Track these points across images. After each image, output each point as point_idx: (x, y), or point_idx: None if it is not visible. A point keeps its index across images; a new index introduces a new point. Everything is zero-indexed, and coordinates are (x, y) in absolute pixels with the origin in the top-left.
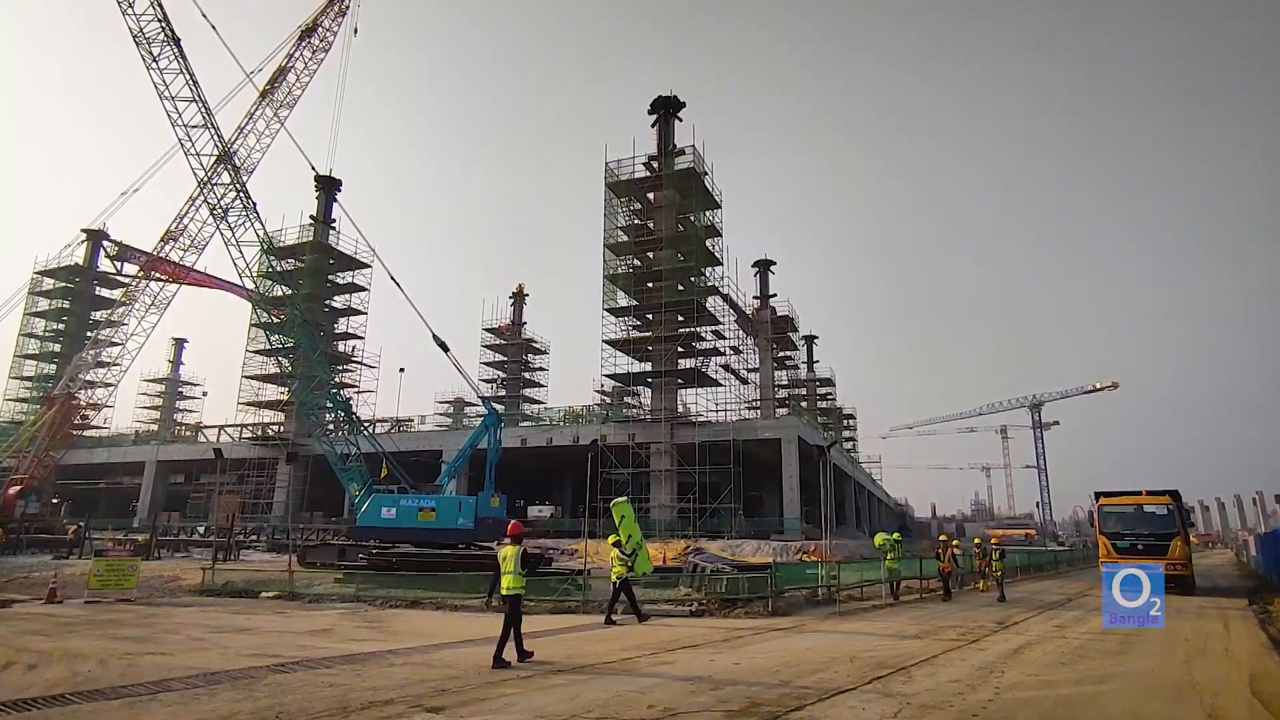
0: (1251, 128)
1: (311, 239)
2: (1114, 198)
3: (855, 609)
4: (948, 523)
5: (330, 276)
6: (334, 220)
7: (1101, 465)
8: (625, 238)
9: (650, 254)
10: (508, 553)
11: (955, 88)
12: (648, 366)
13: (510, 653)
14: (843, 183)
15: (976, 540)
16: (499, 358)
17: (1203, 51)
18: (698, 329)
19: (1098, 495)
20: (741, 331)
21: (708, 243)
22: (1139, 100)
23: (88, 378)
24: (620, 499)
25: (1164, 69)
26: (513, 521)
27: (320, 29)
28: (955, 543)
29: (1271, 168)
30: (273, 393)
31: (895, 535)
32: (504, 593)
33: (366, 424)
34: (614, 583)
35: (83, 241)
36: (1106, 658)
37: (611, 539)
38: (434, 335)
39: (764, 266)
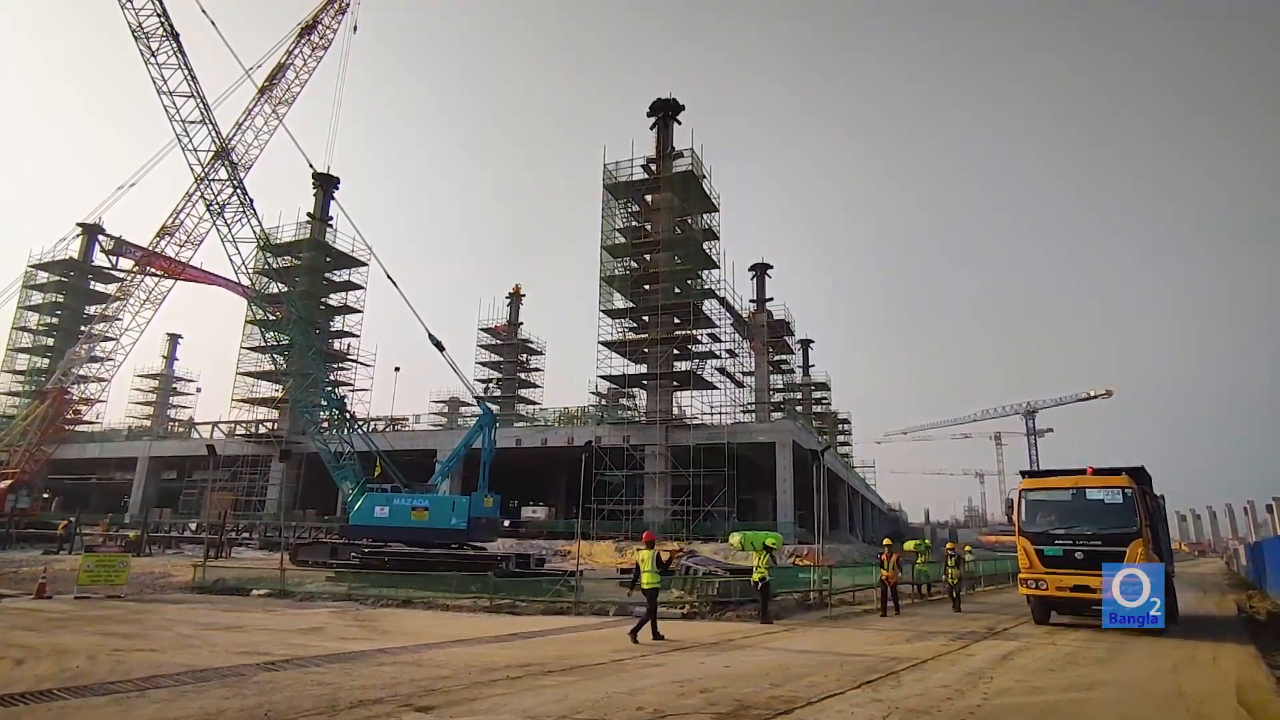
0: (1254, 128)
1: (308, 236)
2: (1113, 202)
3: (847, 613)
4: (941, 528)
5: (327, 274)
6: (331, 218)
7: None
8: (623, 240)
9: (647, 256)
10: (645, 555)
11: (955, 89)
12: (643, 368)
13: (646, 634)
14: (841, 186)
15: (951, 545)
16: (495, 358)
17: (1202, 52)
18: (694, 332)
19: (1023, 475)
20: (738, 335)
21: (705, 246)
22: (1139, 101)
23: (81, 372)
24: (734, 535)
25: (1164, 70)
26: (646, 531)
27: (320, 26)
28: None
29: (1272, 170)
30: (267, 390)
31: (925, 541)
32: (644, 587)
33: (361, 422)
34: (756, 583)
35: (78, 235)
36: (1095, 665)
37: (770, 540)
38: (430, 334)
39: (760, 270)
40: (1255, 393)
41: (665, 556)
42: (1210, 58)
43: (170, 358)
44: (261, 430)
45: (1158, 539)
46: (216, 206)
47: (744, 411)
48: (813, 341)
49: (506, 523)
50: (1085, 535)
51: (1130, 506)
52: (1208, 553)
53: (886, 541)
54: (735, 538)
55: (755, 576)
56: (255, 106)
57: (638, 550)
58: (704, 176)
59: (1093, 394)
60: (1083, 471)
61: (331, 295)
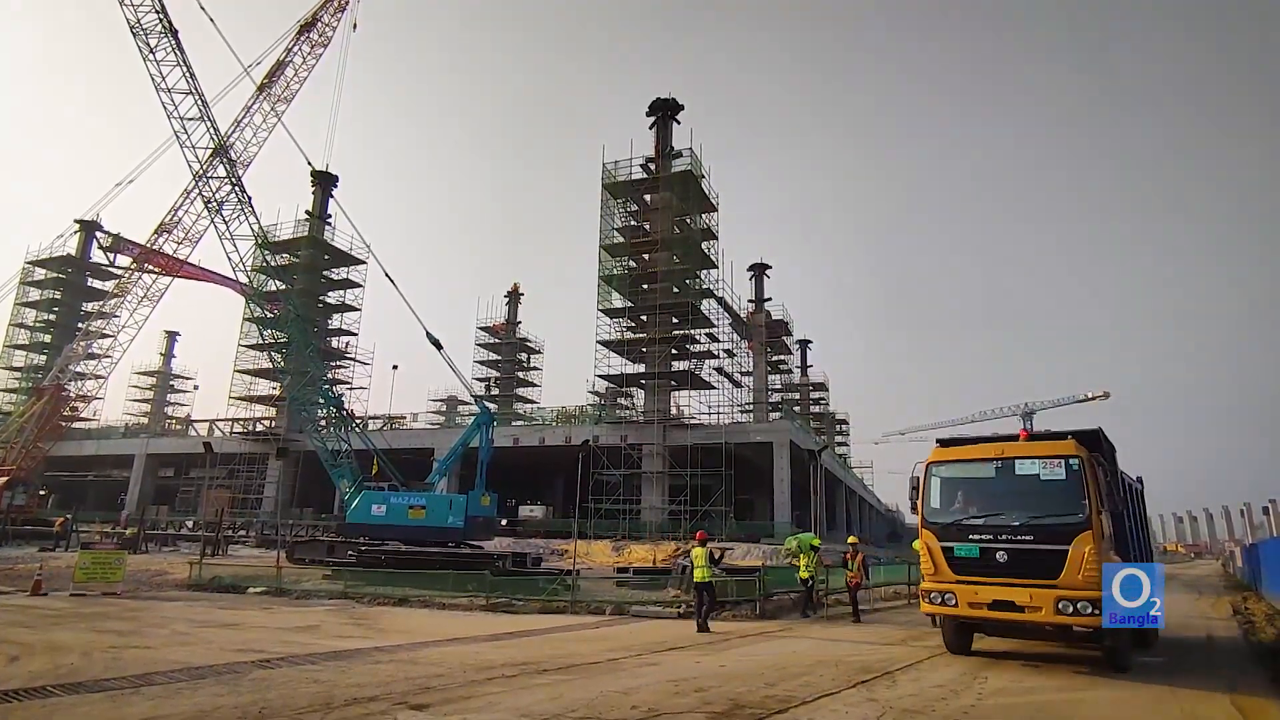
0: (1255, 128)
1: (307, 234)
2: (1113, 203)
3: (843, 613)
4: None
5: (325, 272)
6: (330, 216)
7: None
8: (621, 239)
9: (646, 256)
10: (699, 552)
11: (955, 89)
12: (641, 368)
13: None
14: (840, 186)
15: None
16: (493, 357)
17: (1201, 52)
18: (692, 331)
19: (939, 443)
20: (736, 335)
21: (703, 245)
22: (1140, 102)
23: (78, 369)
24: (791, 540)
25: (1164, 69)
26: (699, 531)
27: (319, 24)
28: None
29: (1272, 170)
30: (265, 388)
31: None
32: (697, 581)
33: (358, 421)
34: (804, 580)
35: (76, 232)
36: (1089, 665)
37: (816, 540)
38: (428, 333)
39: (759, 270)
40: (1253, 395)
41: (718, 554)
42: (1211, 57)
43: (168, 355)
44: (259, 428)
45: (1122, 532)
46: (215, 204)
47: (742, 411)
48: (811, 342)
49: (504, 521)
50: (1011, 527)
51: (1076, 485)
52: (1204, 555)
53: (852, 540)
54: (792, 542)
55: (804, 574)
56: (254, 104)
57: (691, 547)
58: (703, 176)
59: (1090, 395)
60: (1014, 437)
61: (330, 293)
